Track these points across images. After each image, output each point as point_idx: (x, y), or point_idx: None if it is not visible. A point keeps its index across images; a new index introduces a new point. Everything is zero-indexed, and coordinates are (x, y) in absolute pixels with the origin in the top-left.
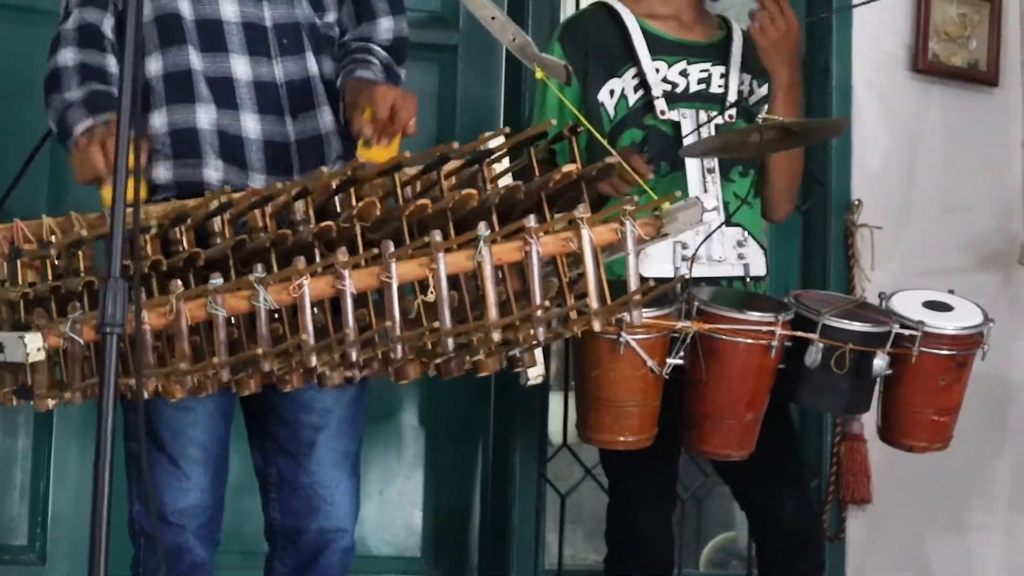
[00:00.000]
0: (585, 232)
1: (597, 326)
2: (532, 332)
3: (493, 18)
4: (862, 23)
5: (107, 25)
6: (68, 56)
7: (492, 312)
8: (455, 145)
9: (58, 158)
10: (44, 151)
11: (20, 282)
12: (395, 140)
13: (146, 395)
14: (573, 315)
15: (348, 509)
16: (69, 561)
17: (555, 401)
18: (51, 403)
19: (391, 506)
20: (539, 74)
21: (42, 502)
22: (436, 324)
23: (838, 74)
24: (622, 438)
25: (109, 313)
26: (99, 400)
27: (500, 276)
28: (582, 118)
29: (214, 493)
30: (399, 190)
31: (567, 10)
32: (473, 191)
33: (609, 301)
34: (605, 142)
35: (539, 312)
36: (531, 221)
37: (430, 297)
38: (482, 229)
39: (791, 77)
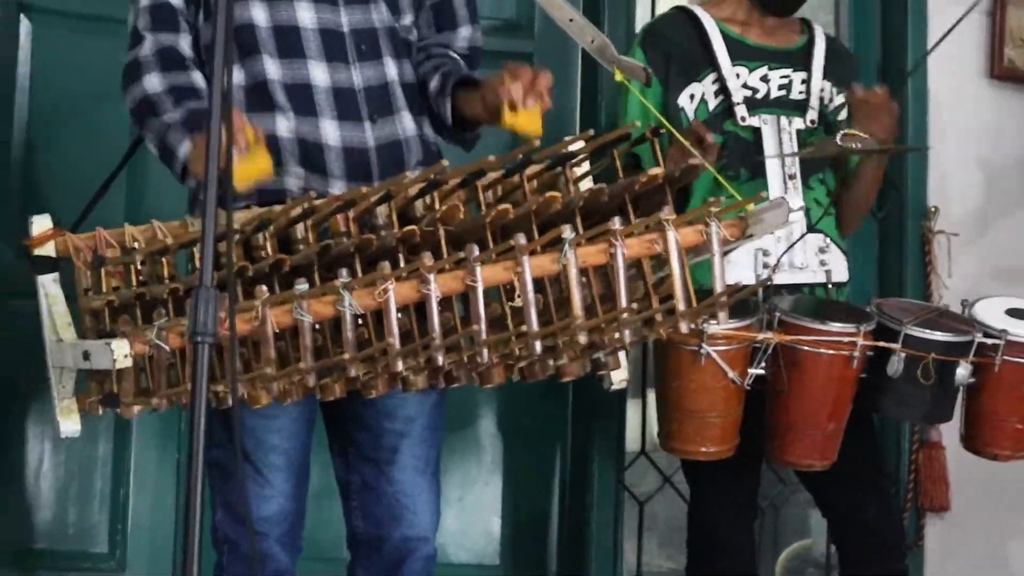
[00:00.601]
0: (671, 234)
1: (684, 328)
2: (617, 335)
3: (571, 20)
4: (938, 30)
5: (184, 44)
6: (155, 81)
7: (578, 315)
8: (537, 143)
9: (136, 168)
10: (116, 161)
11: (104, 291)
12: (538, 109)
13: (230, 402)
14: (659, 317)
15: (430, 517)
16: (149, 568)
17: (632, 408)
18: (137, 410)
19: (470, 513)
20: (618, 76)
21: (122, 509)
22: (523, 327)
23: (914, 81)
24: (704, 449)
25: (200, 322)
26: (191, 408)
27: (584, 279)
28: (663, 119)
29: (296, 500)
30: (481, 194)
31: (642, 14)
32: (557, 194)
33: (695, 303)
34: (687, 143)
35: (625, 315)
36: (616, 223)
37: (517, 302)
38: (567, 232)
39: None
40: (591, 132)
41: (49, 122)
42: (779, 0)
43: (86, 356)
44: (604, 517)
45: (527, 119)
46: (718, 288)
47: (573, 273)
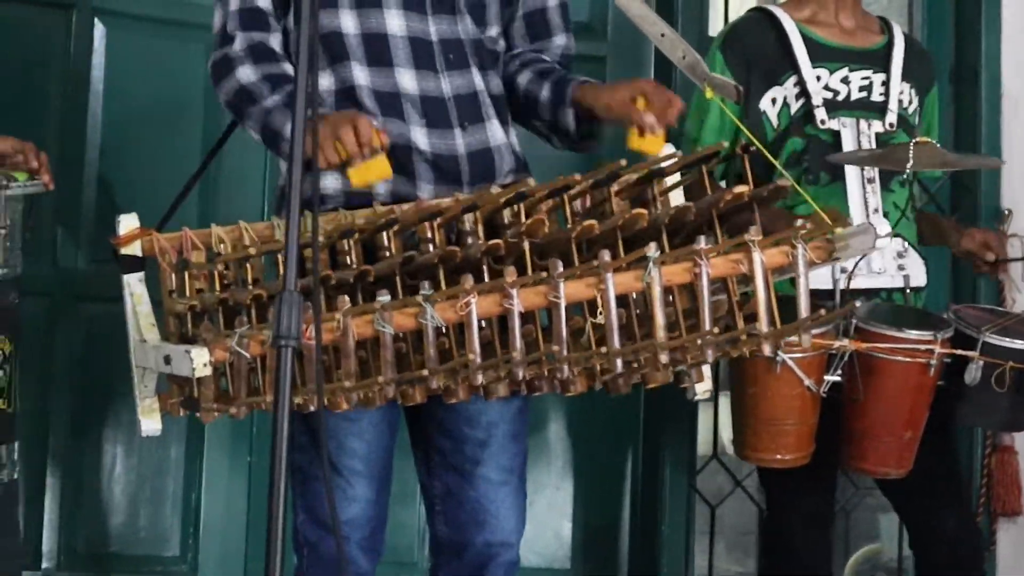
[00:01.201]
0: (756, 255)
1: (767, 350)
2: (700, 353)
3: (663, 35)
4: (1011, 31)
5: (274, 42)
6: (248, 72)
7: (661, 334)
8: (623, 163)
9: (208, 170)
10: (189, 166)
11: (188, 293)
12: (663, 132)
13: (312, 407)
14: (743, 338)
15: (514, 523)
16: (220, 571)
17: (704, 412)
18: (215, 415)
19: (541, 517)
20: (708, 94)
21: (194, 513)
22: (603, 348)
23: (987, 82)
24: (779, 456)
25: (284, 326)
26: (274, 413)
27: (670, 297)
28: (751, 136)
29: (377, 504)
30: (567, 206)
31: (716, 21)
32: (643, 211)
33: (779, 323)
34: (773, 160)
35: (708, 336)
36: (701, 243)
37: (600, 319)
38: (652, 250)
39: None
40: (678, 152)
41: (122, 127)
42: None
43: (167, 360)
44: (675, 521)
45: (653, 144)
46: (803, 311)
47: (657, 292)
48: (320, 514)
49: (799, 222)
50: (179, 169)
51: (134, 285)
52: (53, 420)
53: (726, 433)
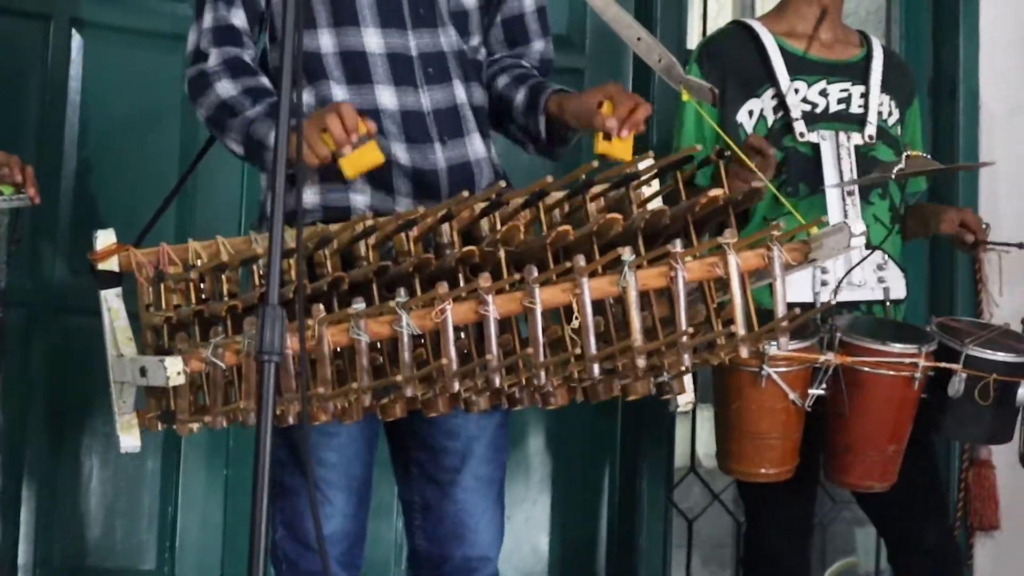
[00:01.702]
0: (732, 258)
1: (744, 352)
2: (678, 358)
3: (639, 39)
4: (989, 42)
5: (248, 57)
6: (227, 87)
7: (637, 338)
8: (595, 164)
9: (185, 186)
10: (167, 177)
11: (165, 306)
12: (631, 136)
13: (290, 420)
14: (720, 341)
15: (493, 537)
16: None
17: (681, 425)
18: (194, 428)
19: (519, 531)
20: (685, 96)
21: (170, 527)
22: (580, 350)
23: (965, 94)
24: (763, 470)
25: (267, 341)
26: (257, 428)
27: (646, 301)
28: (729, 140)
29: (356, 519)
30: (543, 215)
31: (694, 34)
32: (618, 216)
33: (756, 327)
34: (750, 164)
35: (684, 339)
36: (677, 246)
37: (575, 324)
38: (627, 254)
39: None
40: (651, 154)
41: (100, 138)
42: None
43: (143, 372)
44: (653, 534)
45: (620, 148)
46: (779, 311)
47: (633, 296)
48: (299, 530)
49: (772, 223)
50: (157, 180)
51: (111, 300)
52: (30, 431)
53: (704, 446)
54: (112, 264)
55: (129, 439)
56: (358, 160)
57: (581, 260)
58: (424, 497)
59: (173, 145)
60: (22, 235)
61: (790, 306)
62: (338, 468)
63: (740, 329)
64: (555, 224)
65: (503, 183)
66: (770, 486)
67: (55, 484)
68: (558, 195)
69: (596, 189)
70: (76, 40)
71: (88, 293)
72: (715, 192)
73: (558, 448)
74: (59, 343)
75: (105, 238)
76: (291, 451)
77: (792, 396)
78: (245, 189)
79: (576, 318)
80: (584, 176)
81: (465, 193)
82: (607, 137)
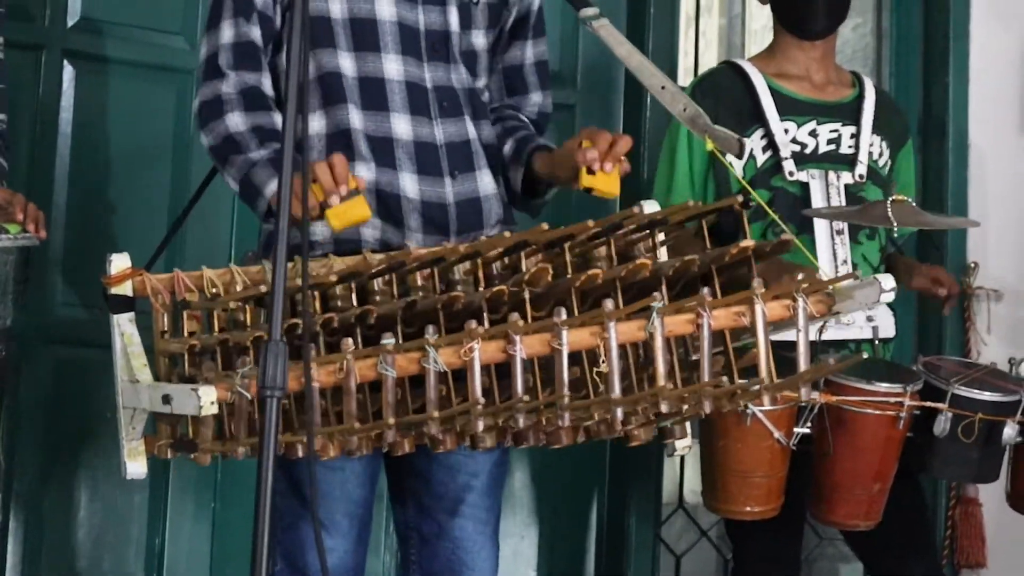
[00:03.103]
0: (759, 307)
1: (767, 402)
2: (699, 405)
3: (663, 88)
4: (979, 84)
5: (266, 84)
6: (238, 120)
7: (663, 384)
8: (635, 209)
9: (175, 216)
10: (158, 208)
11: (183, 334)
12: (616, 171)
13: (299, 453)
14: (740, 391)
15: (488, 573)
16: None
17: (669, 461)
18: (210, 458)
19: (506, 566)
20: (709, 146)
21: (157, 558)
22: (604, 394)
23: (954, 134)
24: (749, 508)
25: (269, 376)
26: (259, 461)
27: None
28: (753, 193)
29: (356, 554)
30: (568, 257)
31: (685, 70)
32: (646, 261)
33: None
34: (770, 210)
35: (709, 387)
36: (705, 293)
37: (603, 367)
38: (656, 300)
39: None
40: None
41: (91, 169)
42: (807, 21)
43: (166, 400)
44: (640, 570)
45: (604, 181)
46: (802, 364)
47: (659, 342)
48: (299, 563)
49: (800, 276)
50: (148, 212)
51: (124, 325)
52: (18, 462)
53: (691, 483)
54: (126, 288)
55: (136, 466)
56: (345, 213)
57: (609, 303)
58: (421, 532)
59: (164, 177)
60: (31, 275)
61: (778, 344)
62: (340, 502)
63: (764, 378)
64: (574, 265)
65: (545, 226)
66: (757, 524)
67: (43, 515)
68: (580, 238)
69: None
70: (68, 71)
71: (78, 325)
72: (745, 243)
73: (546, 483)
74: (50, 375)
75: (119, 262)
76: (291, 483)
77: (777, 435)
78: (235, 220)
79: (602, 361)
80: (615, 220)
81: (507, 234)
82: (590, 171)
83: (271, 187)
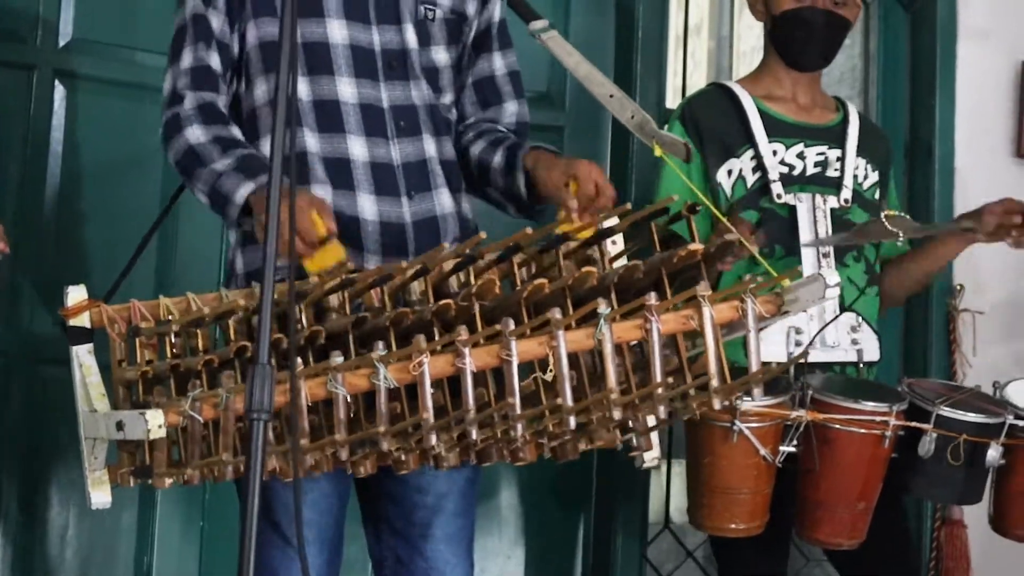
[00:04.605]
0: (706, 310)
1: (717, 404)
2: (652, 410)
3: (611, 96)
4: (965, 107)
5: (222, 104)
6: (198, 133)
7: (612, 389)
8: (574, 217)
9: (165, 240)
10: (147, 227)
11: (138, 361)
12: (590, 221)
13: (264, 476)
14: (692, 393)
15: None
16: None
17: (655, 481)
18: (169, 481)
19: None
20: (658, 151)
21: None
22: (558, 401)
23: (941, 157)
24: (733, 525)
25: (256, 399)
26: (246, 483)
27: (618, 354)
28: (700, 194)
29: (328, 572)
30: (516, 270)
31: (674, 91)
32: (592, 269)
33: (729, 380)
34: (724, 219)
35: (659, 390)
36: (652, 299)
37: (549, 375)
38: (602, 307)
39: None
40: (628, 206)
41: (81, 188)
42: (805, 55)
43: (119, 426)
44: None
45: (581, 230)
46: (753, 365)
47: (608, 348)
48: None
49: (747, 276)
50: (138, 231)
51: (83, 356)
52: (5, 481)
53: (678, 502)
54: (84, 320)
55: (100, 495)
56: (321, 259)
57: (557, 313)
58: (396, 553)
59: (154, 196)
60: (3, 287)
61: (765, 364)
62: (311, 524)
63: (714, 381)
64: (524, 280)
65: (483, 234)
66: (743, 542)
67: (32, 535)
68: (530, 251)
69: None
70: (59, 91)
71: (67, 344)
72: (692, 246)
73: (532, 503)
74: (37, 393)
75: (76, 294)
76: (264, 506)
77: (763, 452)
78: (224, 246)
79: (551, 369)
80: (558, 231)
81: (446, 246)
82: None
83: (240, 193)
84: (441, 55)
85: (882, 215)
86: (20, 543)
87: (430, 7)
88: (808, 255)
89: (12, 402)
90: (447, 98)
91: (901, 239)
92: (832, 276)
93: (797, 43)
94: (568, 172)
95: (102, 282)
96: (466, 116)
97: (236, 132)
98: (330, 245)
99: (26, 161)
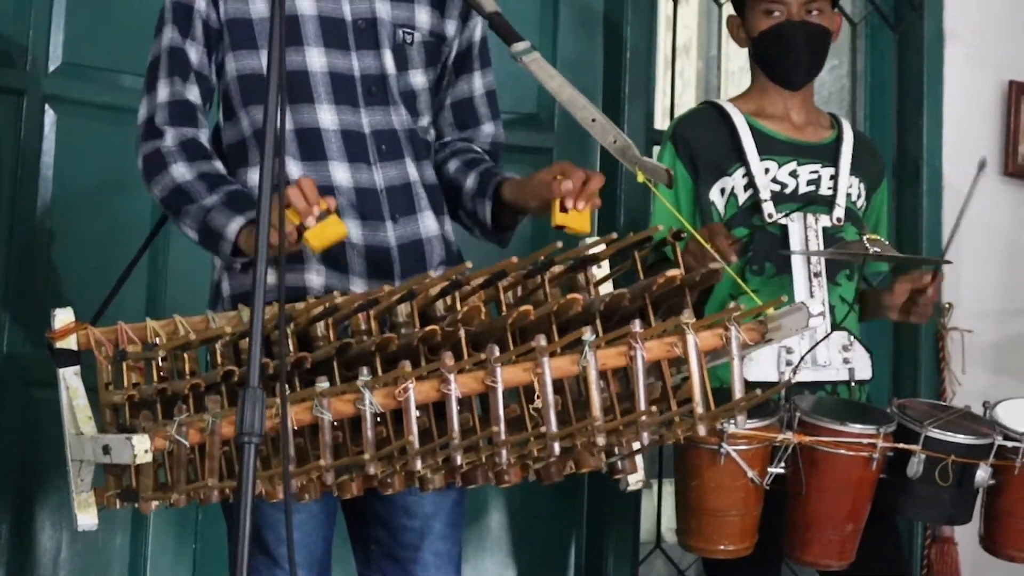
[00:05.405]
0: (690, 337)
1: (702, 431)
2: (636, 436)
3: (593, 120)
4: (952, 127)
5: (203, 138)
6: (182, 170)
7: (597, 416)
8: (559, 244)
9: (156, 263)
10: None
11: (124, 384)
12: (588, 208)
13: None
14: (677, 419)
15: None
16: None
17: (646, 501)
18: (155, 506)
19: None
20: (640, 177)
21: None
22: (542, 428)
23: (929, 176)
24: (722, 547)
25: (247, 422)
26: (236, 507)
27: (603, 380)
28: (682, 219)
29: None
30: (501, 295)
31: (662, 111)
32: (578, 296)
33: (713, 407)
34: (708, 246)
35: (644, 417)
36: (636, 326)
37: (537, 403)
38: (587, 334)
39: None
40: (614, 235)
41: (72, 211)
42: (790, 73)
43: (106, 450)
44: None
45: (577, 219)
46: (737, 392)
47: (593, 375)
48: None
49: (731, 304)
50: (128, 254)
51: (70, 379)
52: None
53: (669, 522)
54: (71, 343)
55: (86, 518)
56: (323, 232)
57: (542, 340)
58: (384, 574)
59: (144, 219)
60: None
61: (755, 385)
62: (300, 546)
63: (698, 408)
64: (510, 305)
65: (469, 264)
66: (734, 563)
67: (24, 557)
68: (515, 276)
69: (552, 270)
70: (49, 116)
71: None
72: (671, 272)
73: (523, 524)
74: (30, 415)
75: (63, 317)
76: (253, 529)
77: (751, 474)
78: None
79: (537, 397)
80: (543, 257)
81: (431, 274)
82: (563, 208)
83: (232, 228)
84: (419, 78)
85: (864, 237)
86: (13, 566)
87: (408, 31)
88: (799, 275)
89: (3, 424)
90: (424, 120)
91: (867, 260)
92: (815, 305)
93: (780, 60)
94: (552, 170)
95: (93, 305)
96: (443, 135)
97: (220, 166)
98: (330, 219)
99: (16, 185)
